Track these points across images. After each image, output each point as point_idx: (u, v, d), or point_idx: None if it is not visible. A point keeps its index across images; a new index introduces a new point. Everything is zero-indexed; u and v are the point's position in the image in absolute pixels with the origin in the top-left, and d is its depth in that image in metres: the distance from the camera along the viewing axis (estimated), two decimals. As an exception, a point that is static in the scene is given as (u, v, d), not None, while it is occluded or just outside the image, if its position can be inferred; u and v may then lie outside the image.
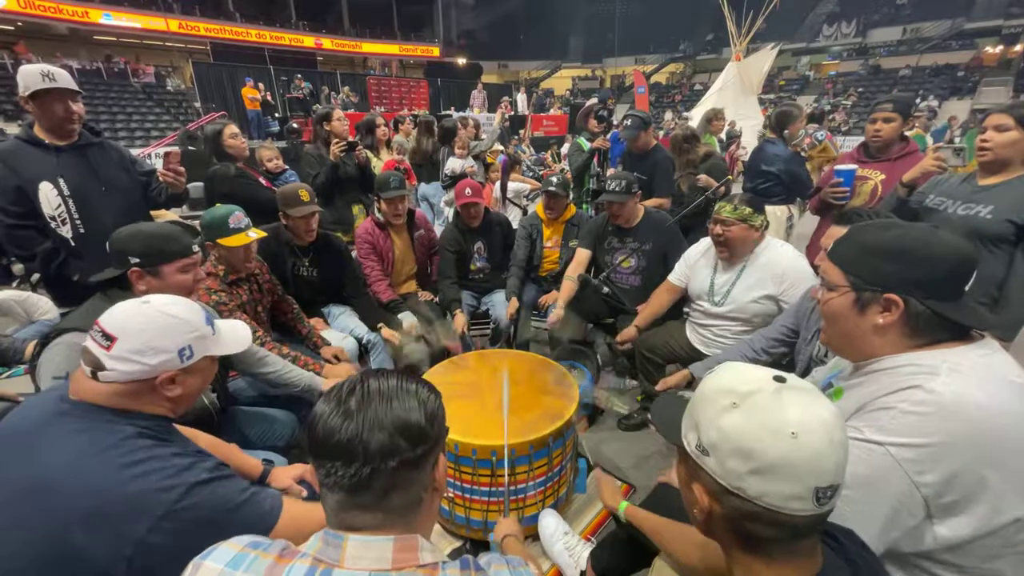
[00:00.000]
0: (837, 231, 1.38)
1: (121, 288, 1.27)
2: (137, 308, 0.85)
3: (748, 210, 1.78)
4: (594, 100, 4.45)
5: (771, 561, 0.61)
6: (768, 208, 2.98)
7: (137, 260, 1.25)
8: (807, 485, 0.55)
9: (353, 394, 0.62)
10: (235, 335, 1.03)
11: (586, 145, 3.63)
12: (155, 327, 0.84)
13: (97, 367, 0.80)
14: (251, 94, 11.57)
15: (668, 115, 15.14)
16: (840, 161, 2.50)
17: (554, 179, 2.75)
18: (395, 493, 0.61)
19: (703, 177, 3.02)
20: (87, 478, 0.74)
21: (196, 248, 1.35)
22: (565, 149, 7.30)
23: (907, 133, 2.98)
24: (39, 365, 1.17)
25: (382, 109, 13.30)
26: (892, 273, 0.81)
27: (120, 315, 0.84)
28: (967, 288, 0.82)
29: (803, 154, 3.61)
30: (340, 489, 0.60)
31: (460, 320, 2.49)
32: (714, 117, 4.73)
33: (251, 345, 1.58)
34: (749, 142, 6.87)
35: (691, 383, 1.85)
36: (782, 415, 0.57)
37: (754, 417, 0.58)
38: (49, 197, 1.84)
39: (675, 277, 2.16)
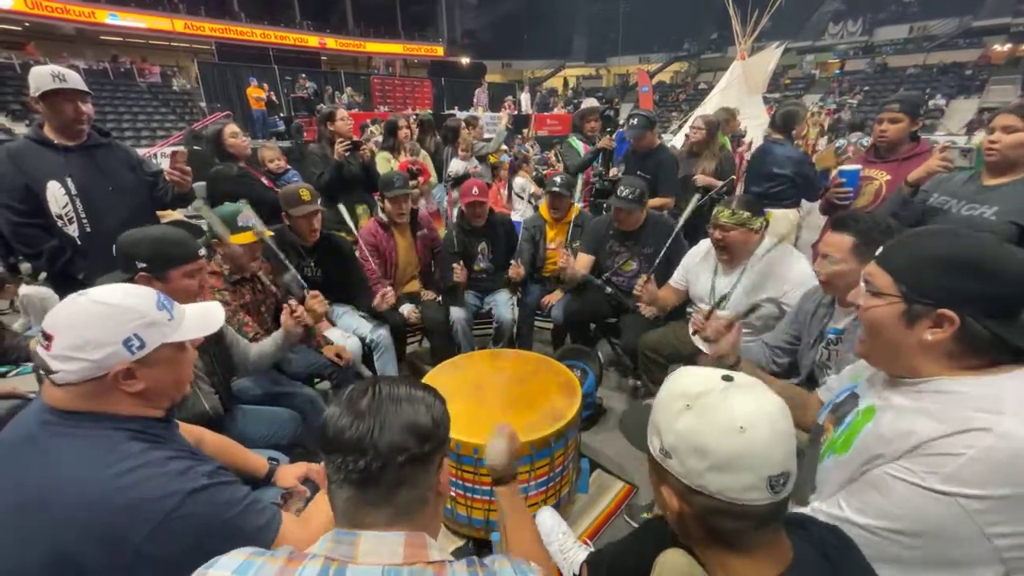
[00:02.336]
0: (833, 237, 1.37)
1: None
2: (71, 301, 0.78)
3: (746, 214, 1.77)
4: (592, 102, 4.42)
5: (741, 553, 0.64)
6: (779, 212, 2.97)
7: (144, 264, 1.26)
8: (760, 475, 0.58)
9: (364, 397, 0.65)
10: (203, 320, 0.93)
11: (578, 145, 3.62)
12: (88, 319, 0.76)
13: (46, 370, 0.76)
14: (256, 93, 11.62)
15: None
16: (855, 163, 2.48)
17: (558, 179, 2.75)
18: (403, 489, 0.63)
19: (700, 177, 3.01)
20: (80, 490, 0.72)
21: (203, 252, 1.36)
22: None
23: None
24: None
25: (385, 108, 13.35)
26: (952, 286, 0.74)
27: (56, 311, 0.78)
28: None
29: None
30: (350, 484, 0.62)
31: (459, 271, 2.47)
32: (731, 117, 4.56)
33: (239, 341, 1.59)
34: (757, 142, 6.82)
35: None
36: (730, 412, 0.61)
37: (705, 416, 0.62)
38: (56, 196, 1.86)
39: (675, 280, 2.16)
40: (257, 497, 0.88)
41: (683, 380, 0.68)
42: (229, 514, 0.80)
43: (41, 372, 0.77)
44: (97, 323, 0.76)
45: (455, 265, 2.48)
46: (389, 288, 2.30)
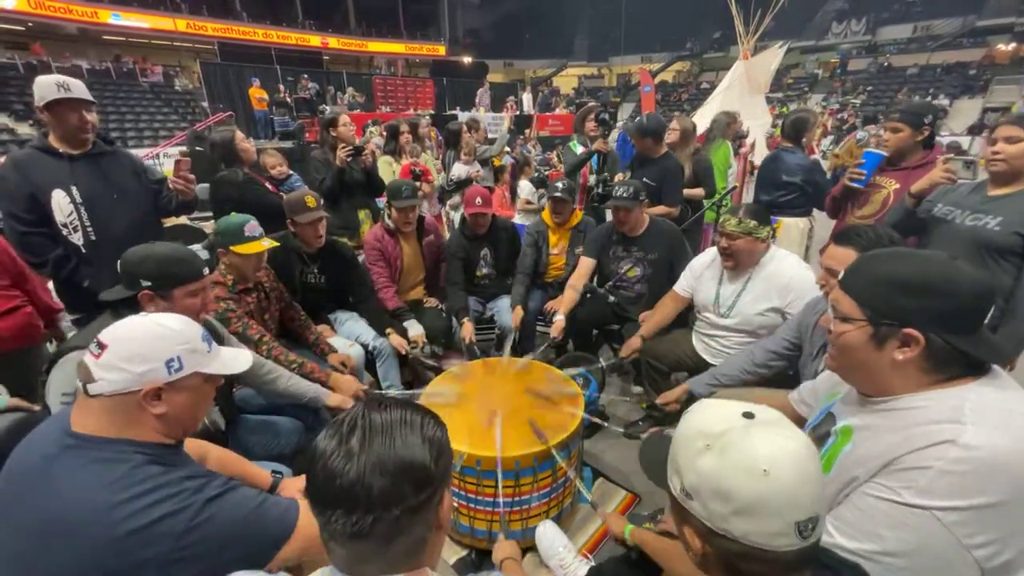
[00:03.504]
0: (836, 251, 1.38)
1: (131, 308, 1.27)
2: (134, 320, 0.87)
3: (753, 223, 1.77)
4: (593, 103, 4.39)
5: None
6: (789, 220, 2.96)
7: (149, 283, 1.26)
8: (787, 520, 0.56)
9: (355, 431, 0.60)
10: (235, 360, 1.00)
11: (577, 148, 3.61)
12: (145, 335, 0.84)
13: (87, 379, 0.80)
14: (258, 94, 11.62)
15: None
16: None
17: (560, 184, 2.75)
18: (398, 541, 0.60)
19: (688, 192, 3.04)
20: (104, 513, 0.74)
21: (206, 271, 1.36)
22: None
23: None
24: (49, 381, 1.18)
25: (388, 109, 13.35)
26: (912, 307, 0.77)
27: (116, 326, 0.85)
28: (985, 321, 0.79)
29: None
30: (343, 538, 0.58)
31: (467, 329, 2.50)
32: (732, 120, 4.39)
33: (261, 360, 1.61)
34: (758, 142, 6.80)
35: (690, 398, 1.85)
36: (753, 453, 0.58)
37: (727, 457, 0.59)
38: (61, 204, 1.87)
39: (680, 287, 2.15)
40: (271, 497, 0.91)
41: (702, 417, 0.65)
42: (248, 509, 0.84)
43: (79, 383, 0.82)
44: (151, 340, 0.84)
45: (465, 320, 2.50)
46: (404, 342, 2.32)
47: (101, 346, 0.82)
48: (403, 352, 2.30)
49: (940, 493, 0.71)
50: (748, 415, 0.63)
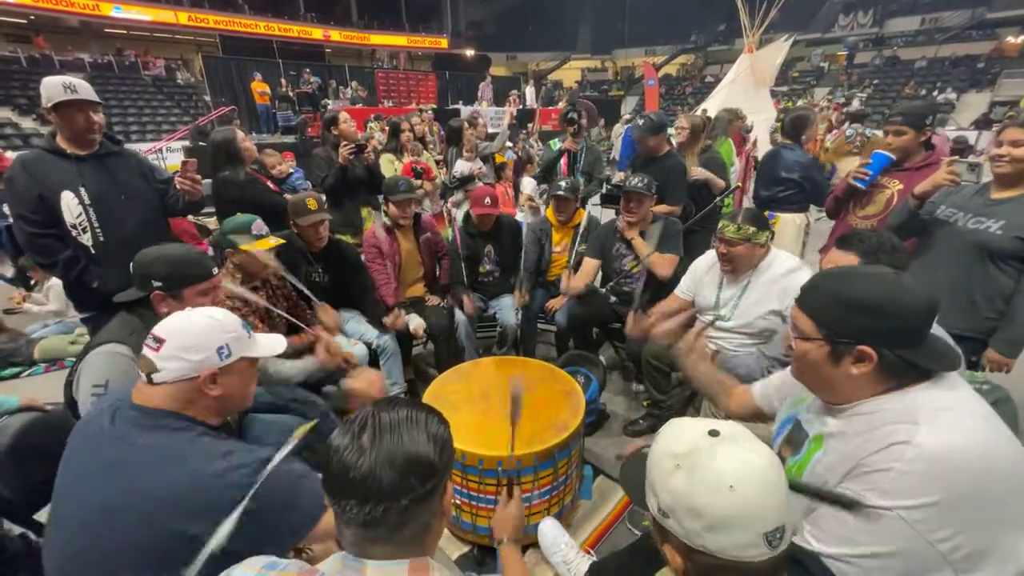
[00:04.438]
0: (838, 256, 1.39)
1: (145, 307, 1.32)
2: (184, 315, 0.98)
3: (752, 229, 1.77)
4: (582, 99, 4.35)
5: None
6: (786, 216, 2.97)
7: (160, 284, 1.29)
8: (756, 532, 0.59)
9: (366, 429, 0.66)
10: (270, 344, 1.11)
11: (556, 146, 3.61)
12: (197, 327, 0.95)
13: (151, 369, 0.90)
14: (260, 88, 11.59)
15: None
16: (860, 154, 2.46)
17: (563, 183, 2.76)
18: (406, 527, 0.66)
19: (697, 170, 2.98)
20: (178, 473, 0.85)
21: (216, 271, 1.39)
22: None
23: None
24: (80, 371, 1.24)
25: (390, 103, 13.30)
26: (863, 326, 0.83)
27: (168, 321, 0.95)
28: (931, 331, 0.85)
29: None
30: (355, 524, 0.64)
31: (468, 304, 2.58)
32: (734, 117, 4.42)
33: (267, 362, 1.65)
34: (761, 137, 6.74)
35: (695, 393, 1.88)
36: (718, 471, 0.61)
37: (695, 476, 0.62)
38: (70, 206, 1.89)
39: (681, 290, 2.16)
40: (312, 471, 0.98)
41: (670, 437, 0.69)
42: (295, 475, 0.94)
43: (142, 374, 0.92)
44: (203, 332, 0.95)
45: (464, 297, 2.58)
46: (401, 312, 2.37)
47: (158, 340, 0.91)
48: (401, 326, 2.36)
49: (902, 493, 0.75)
50: (713, 433, 0.66)
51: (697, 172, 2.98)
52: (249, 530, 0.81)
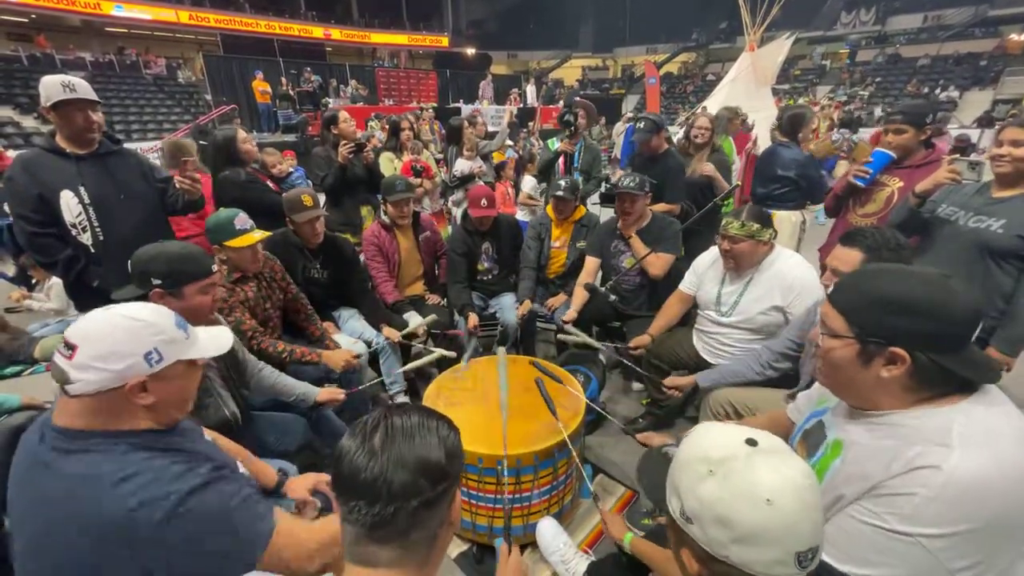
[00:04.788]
0: (843, 252, 1.38)
1: None
2: (99, 314, 0.83)
3: (756, 226, 1.77)
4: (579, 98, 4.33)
5: None
6: (782, 213, 2.97)
7: (159, 281, 1.28)
8: (787, 550, 0.57)
9: (377, 431, 0.65)
10: (216, 340, 0.99)
11: (555, 146, 3.61)
12: (117, 330, 0.81)
13: (63, 380, 0.78)
14: (261, 87, 11.59)
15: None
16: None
17: (562, 183, 2.75)
18: (414, 531, 0.64)
19: (708, 166, 3.00)
20: (86, 505, 0.76)
21: (215, 268, 1.39)
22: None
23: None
24: None
25: (391, 102, 13.29)
26: (900, 327, 0.78)
27: (83, 323, 0.82)
28: (973, 338, 0.79)
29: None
30: (361, 525, 0.63)
31: (473, 320, 2.55)
32: (734, 116, 4.39)
33: (249, 357, 1.63)
34: (763, 135, 6.72)
35: (695, 391, 1.87)
36: (755, 482, 0.59)
37: (729, 485, 0.60)
38: (70, 205, 1.89)
39: (685, 286, 2.18)
40: (255, 494, 0.91)
41: (705, 441, 0.66)
42: (228, 506, 0.84)
43: (56, 383, 0.80)
44: (124, 336, 0.81)
45: (470, 313, 2.56)
46: (394, 331, 2.36)
47: (71, 347, 0.78)
48: (394, 339, 2.34)
49: (925, 520, 0.72)
50: (751, 442, 0.63)
51: (708, 168, 3.00)
52: (183, 564, 0.76)
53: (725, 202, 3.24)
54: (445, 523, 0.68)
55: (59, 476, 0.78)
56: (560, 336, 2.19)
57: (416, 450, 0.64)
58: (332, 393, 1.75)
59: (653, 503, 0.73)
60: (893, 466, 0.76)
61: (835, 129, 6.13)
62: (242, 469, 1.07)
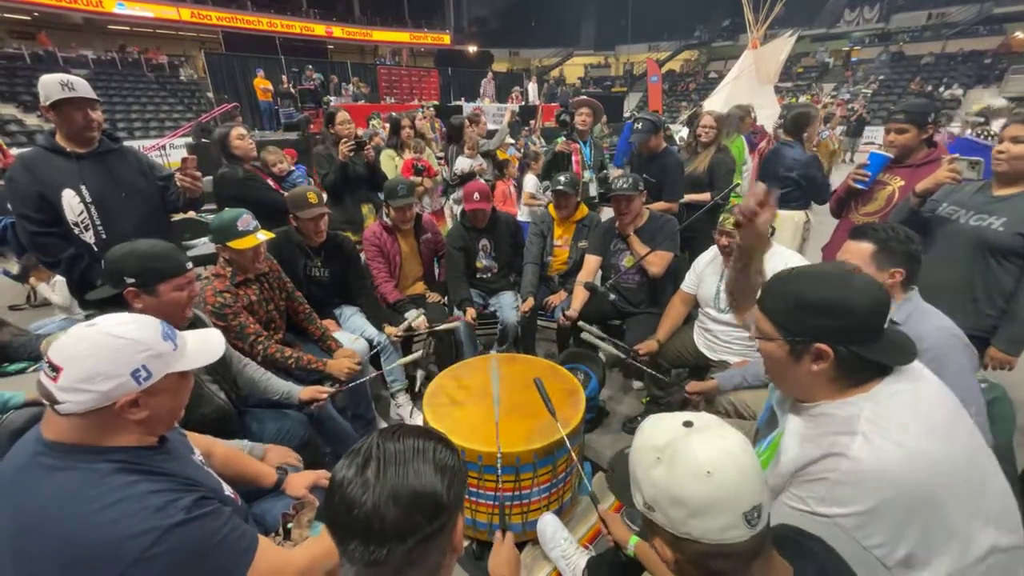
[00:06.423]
0: (852, 245, 1.38)
1: (118, 306, 1.28)
2: (82, 333, 0.80)
3: None
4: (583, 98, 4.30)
5: None
6: (786, 213, 2.97)
7: (132, 280, 1.27)
8: (736, 513, 0.61)
9: (371, 461, 0.62)
10: (206, 346, 0.96)
11: (557, 145, 3.61)
12: (100, 351, 0.78)
13: (51, 400, 0.76)
14: (263, 84, 11.59)
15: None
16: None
17: (562, 178, 2.75)
18: (413, 568, 0.62)
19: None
20: (62, 525, 0.73)
21: (190, 265, 1.37)
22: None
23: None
24: None
25: (392, 100, 13.29)
26: (820, 326, 0.85)
27: (66, 342, 0.78)
28: (886, 326, 0.87)
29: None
30: (360, 565, 0.60)
31: (471, 312, 2.56)
32: (745, 115, 4.29)
33: (232, 352, 1.63)
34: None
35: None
36: (695, 458, 0.64)
37: (674, 466, 0.65)
38: (72, 204, 1.90)
39: (687, 286, 2.19)
40: (236, 523, 0.88)
41: (649, 432, 0.71)
42: (205, 547, 0.81)
43: (45, 402, 0.78)
44: (109, 355, 0.78)
45: (468, 308, 2.56)
46: (396, 329, 2.37)
47: (55, 368, 0.75)
48: (396, 337, 2.35)
49: (836, 501, 0.80)
50: (687, 423, 0.69)
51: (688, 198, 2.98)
52: None
53: (727, 201, 3.24)
54: (447, 552, 0.66)
55: (41, 496, 0.75)
56: (583, 335, 2.19)
57: (410, 482, 0.61)
58: (315, 391, 1.73)
59: (625, 504, 0.78)
60: (814, 453, 0.85)
61: (837, 129, 6.09)
62: (228, 491, 1.04)
